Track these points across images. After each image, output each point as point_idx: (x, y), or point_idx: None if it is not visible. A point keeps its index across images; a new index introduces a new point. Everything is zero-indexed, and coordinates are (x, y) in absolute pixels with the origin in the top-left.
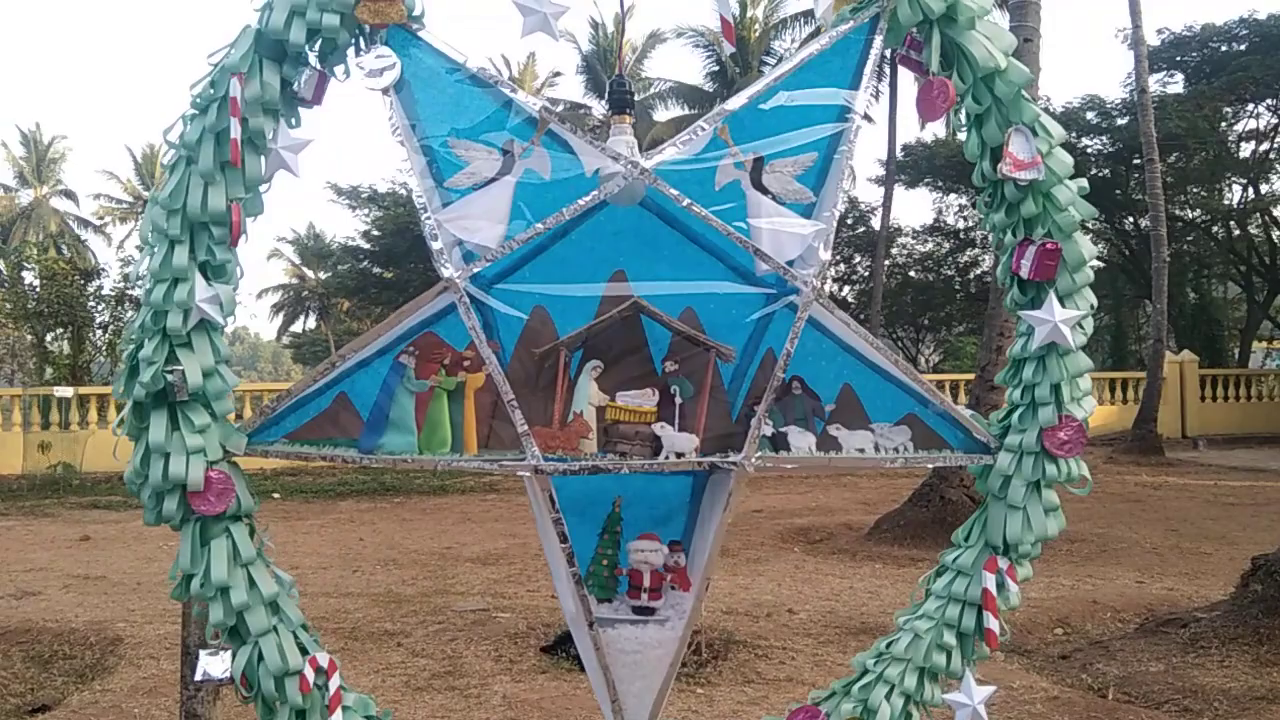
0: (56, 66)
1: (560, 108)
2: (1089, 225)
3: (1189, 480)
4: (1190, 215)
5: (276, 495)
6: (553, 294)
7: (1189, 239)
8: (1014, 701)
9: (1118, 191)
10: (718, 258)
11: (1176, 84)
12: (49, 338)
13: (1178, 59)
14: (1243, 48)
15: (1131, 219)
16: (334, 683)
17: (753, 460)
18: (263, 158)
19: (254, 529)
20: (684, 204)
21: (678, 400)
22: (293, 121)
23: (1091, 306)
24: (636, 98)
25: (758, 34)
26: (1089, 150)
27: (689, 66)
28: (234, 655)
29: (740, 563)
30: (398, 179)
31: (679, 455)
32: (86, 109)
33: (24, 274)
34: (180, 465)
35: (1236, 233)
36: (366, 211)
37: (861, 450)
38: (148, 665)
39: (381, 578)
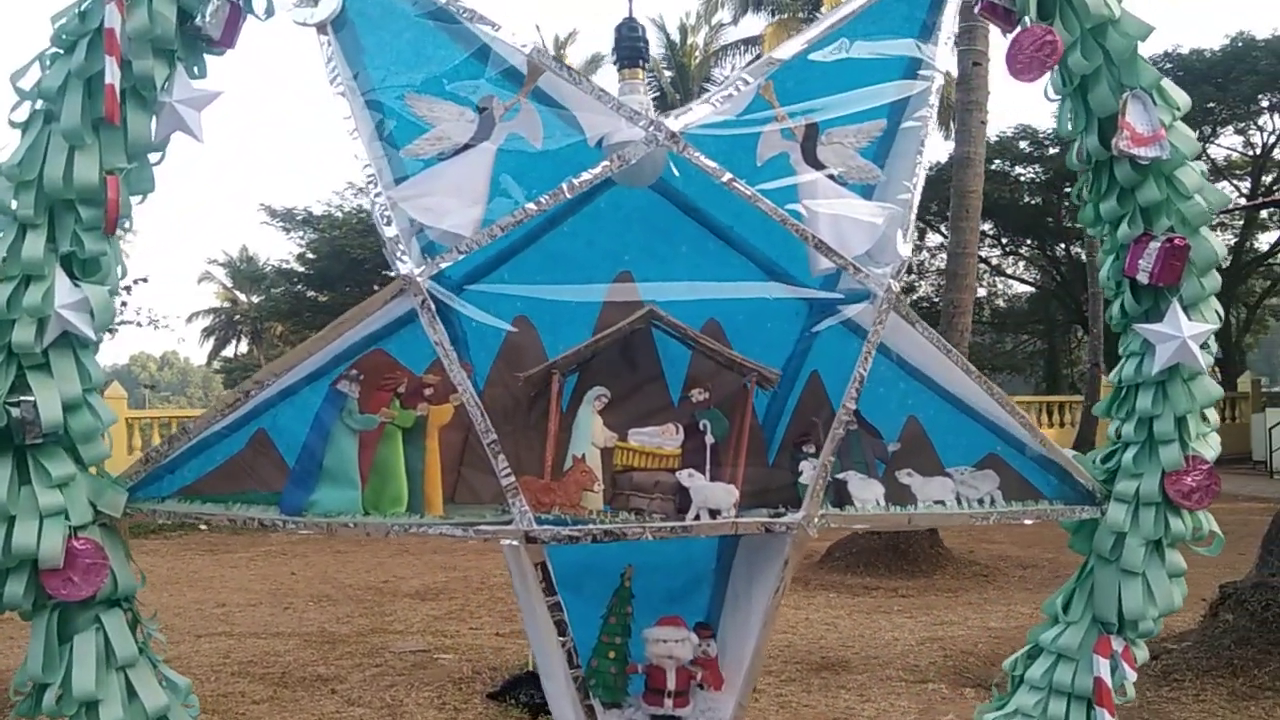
0: None
1: None
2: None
3: None
4: None
5: (204, 527)
6: (540, 299)
7: None
8: None
9: (1049, 219)
10: (746, 255)
11: None
12: None
13: None
14: None
15: (1063, 246)
16: None
17: (815, 521)
18: (152, 115)
19: (137, 616)
20: (724, 179)
21: (709, 439)
22: (195, 69)
23: (1219, 315)
24: None
25: (698, 60)
26: (1022, 179)
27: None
28: None
29: None
30: (333, 201)
31: (713, 514)
32: None
33: None
34: (29, 533)
35: None
36: (301, 234)
37: (941, 503)
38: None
39: (315, 615)
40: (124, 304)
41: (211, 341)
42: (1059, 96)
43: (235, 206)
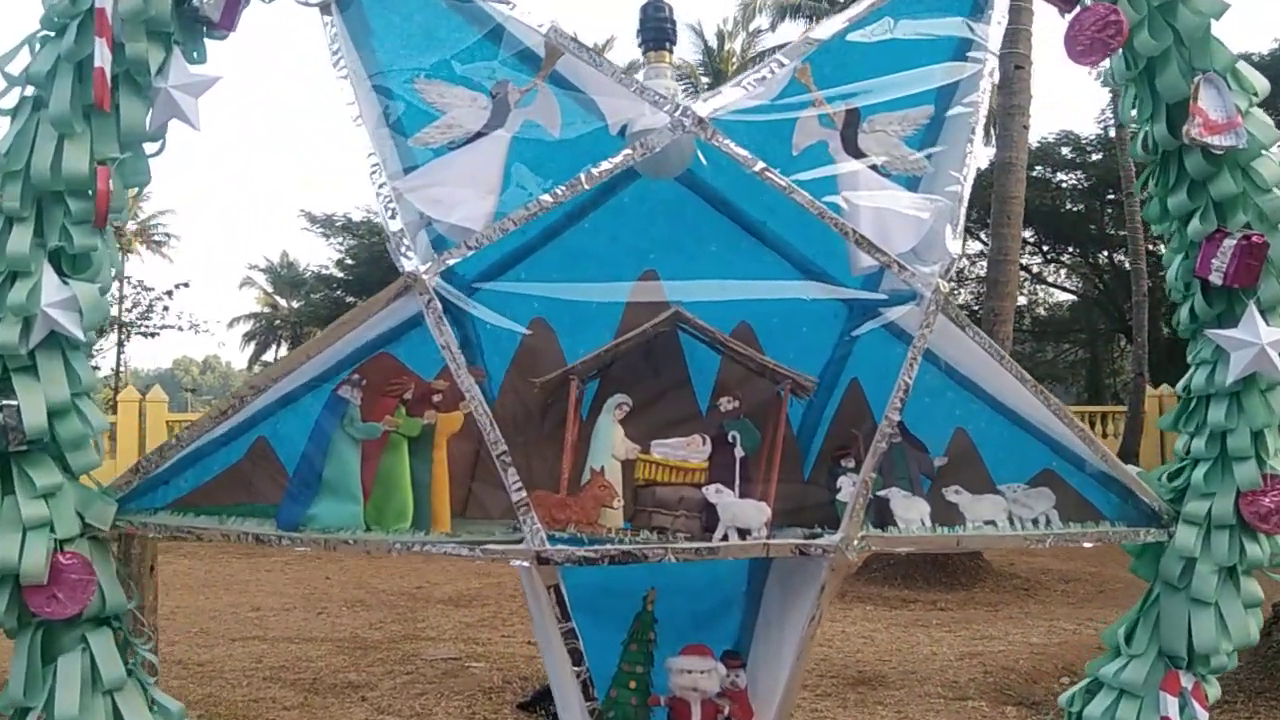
0: None
1: None
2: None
3: None
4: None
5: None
6: (558, 299)
7: (1161, 274)
8: None
9: (1092, 226)
10: (781, 252)
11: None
12: None
13: None
14: None
15: (1106, 253)
16: None
17: (854, 544)
18: (148, 102)
19: (126, 636)
20: (756, 169)
21: (738, 452)
22: (193, 53)
23: None
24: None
25: (735, 67)
26: (1064, 185)
27: None
28: None
29: None
30: (372, 206)
31: (742, 533)
32: None
33: None
34: (11, 547)
35: None
36: (340, 240)
37: (992, 523)
38: None
39: (348, 620)
40: (165, 309)
41: (252, 346)
42: (1120, 83)
43: (277, 212)
